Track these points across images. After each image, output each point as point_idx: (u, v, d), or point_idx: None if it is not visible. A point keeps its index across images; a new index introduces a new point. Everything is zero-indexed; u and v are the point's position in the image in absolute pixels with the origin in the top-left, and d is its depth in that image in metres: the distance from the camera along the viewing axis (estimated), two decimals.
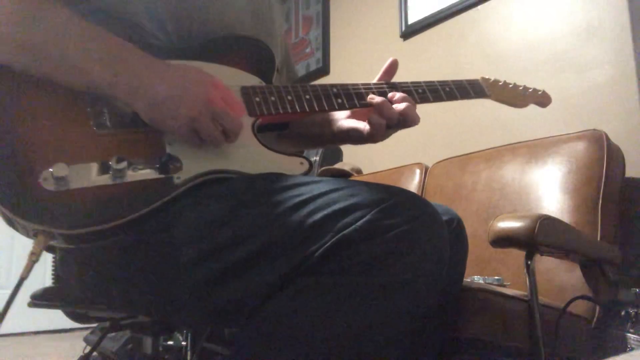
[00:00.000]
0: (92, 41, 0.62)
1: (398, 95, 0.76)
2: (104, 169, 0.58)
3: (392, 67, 0.82)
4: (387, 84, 0.80)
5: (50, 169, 0.55)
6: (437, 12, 2.04)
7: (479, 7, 1.89)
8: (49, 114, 0.60)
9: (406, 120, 0.75)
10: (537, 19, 1.70)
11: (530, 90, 0.96)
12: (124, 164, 0.58)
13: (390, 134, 0.79)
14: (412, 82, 0.81)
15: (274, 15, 0.89)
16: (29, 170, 0.56)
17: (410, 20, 2.16)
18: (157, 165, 0.61)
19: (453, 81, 0.84)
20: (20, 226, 0.56)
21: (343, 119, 0.84)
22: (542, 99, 0.97)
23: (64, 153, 0.58)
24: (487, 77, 0.91)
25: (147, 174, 0.60)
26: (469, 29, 1.92)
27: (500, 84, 0.92)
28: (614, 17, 1.48)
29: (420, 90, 0.81)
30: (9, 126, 0.58)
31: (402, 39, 2.21)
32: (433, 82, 0.82)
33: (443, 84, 0.83)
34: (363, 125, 0.79)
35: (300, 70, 2.84)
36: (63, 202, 0.56)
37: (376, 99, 0.75)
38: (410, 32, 2.17)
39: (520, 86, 0.95)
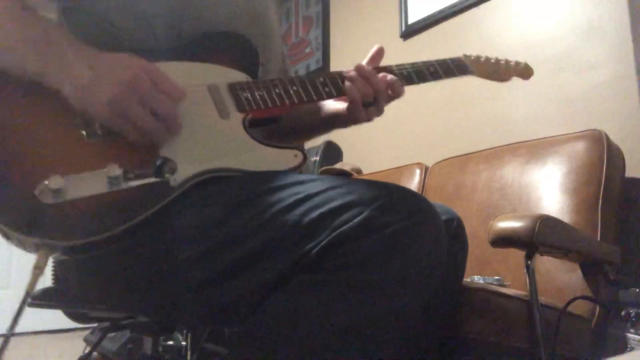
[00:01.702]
0: (30, 28, 0.62)
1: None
2: (100, 177, 0.58)
3: (378, 55, 0.83)
4: (373, 69, 0.81)
5: (46, 182, 0.55)
6: (437, 12, 2.04)
7: (479, 7, 1.89)
8: (39, 126, 0.60)
9: (384, 89, 0.77)
10: (537, 19, 1.70)
11: (512, 63, 0.98)
12: (119, 171, 0.58)
13: (372, 115, 0.80)
14: (396, 65, 0.82)
15: (269, 12, 0.89)
16: (24, 184, 0.55)
17: (410, 20, 2.16)
18: (152, 170, 0.60)
19: (437, 61, 0.85)
20: (17, 240, 0.55)
21: (327, 104, 0.86)
22: (524, 71, 0.99)
23: (57, 164, 0.57)
24: (468, 53, 0.92)
25: (142, 179, 0.59)
26: (469, 29, 1.93)
27: (482, 59, 0.94)
28: (614, 17, 1.48)
29: (405, 73, 0.82)
30: (2, 140, 0.57)
31: (402, 39, 2.21)
32: (417, 63, 0.84)
33: (427, 64, 0.84)
34: (344, 105, 0.81)
35: (300, 70, 2.84)
36: (61, 214, 0.55)
37: (351, 72, 0.77)
38: (410, 32, 2.17)
39: (502, 60, 0.97)
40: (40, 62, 0.60)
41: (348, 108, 0.79)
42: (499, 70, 0.96)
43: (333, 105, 0.86)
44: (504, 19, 1.81)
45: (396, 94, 0.80)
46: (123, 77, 0.59)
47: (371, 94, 0.77)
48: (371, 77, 0.77)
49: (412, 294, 0.56)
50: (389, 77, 0.78)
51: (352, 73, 0.77)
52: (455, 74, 0.87)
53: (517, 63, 0.98)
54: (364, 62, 0.82)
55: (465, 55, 0.91)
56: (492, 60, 0.95)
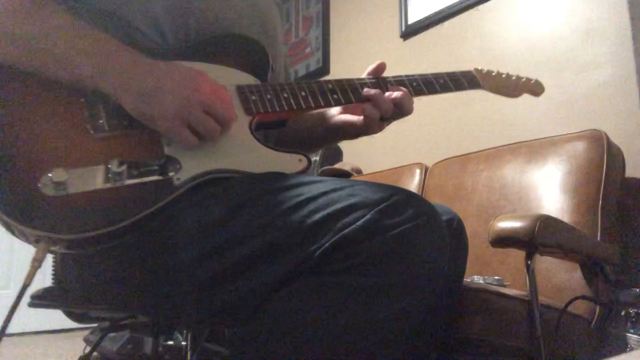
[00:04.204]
0: (81, 37, 0.62)
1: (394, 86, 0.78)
2: (103, 172, 0.58)
3: (379, 70, 0.81)
4: (380, 78, 0.80)
5: (49, 174, 0.55)
6: (437, 12, 2.04)
7: (479, 7, 1.89)
8: (46, 119, 0.60)
9: (401, 109, 0.75)
10: (537, 19, 1.70)
11: (523, 79, 0.96)
12: (123, 167, 0.58)
13: (385, 127, 0.79)
14: (406, 75, 0.81)
15: (274, 17, 0.89)
16: (27, 176, 0.55)
17: (410, 20, 2.16)
18: (156, 167, 0.61)
19: (447, 73, 0.85)
20: (19, 232, 0.55)
21: (337, 114, 0.84)
22: (535, 88, 0.97)
23: (62, 157, 0.58)
24: (480, 67, 0.91)
25: (146, 176, 0.60)
26: (469, 29, 1.93)
27: (494, 74, 0.92)
28: (614, 17, 1.48)
29: (414, 84, 0.81)
30: (6, 132, 0.58)
31: (402, 39, 2.21)
32: (427, 74, 0.83)
33: (437, 76, 0.83)
34: (357, 119, 0.79)
35: (300, 70, 2.84)
36: (63, 207, 0.55)
37: (372, 91, 0.75)
38: (410, 32, 2.17)
39: (513, 76, 0.95)
40: (96, 68, 0.61)
41: (365, 122, 0.77)
42: (509, 86, 0.94)
43: (341, 117, 0.83)
44: (504, 19, 1.81)
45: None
46: (187, 87, 0.61)
47: (391, 110, 0.75)
48: (386, 98, 0.76)
49: (415, 296, 0.56)
50: (399, 93, 0.76)
51: (373, 92, 0.75)
52: (466, 87, 0.86)
53: (528, 79, 0.96)
54: (365, 74, 0.81)
55: (476, 69, 0.90)
56: (503, 76, 0.93)
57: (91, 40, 0.62)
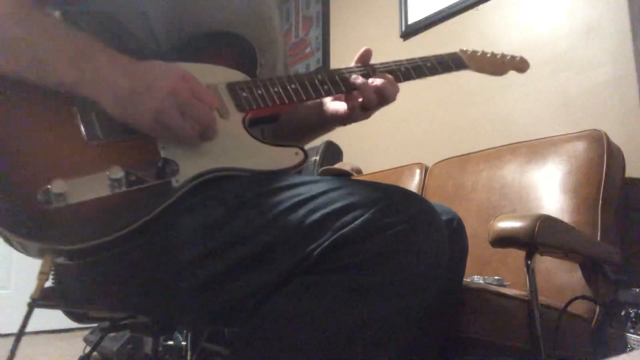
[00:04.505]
0: (62, 40, 0.61)
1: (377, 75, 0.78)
2: (101, 180, 0.57)
3: (366, 55, 0.82)
4: (369, 65, 0.80)
5: (48, 186, 0.54)
6: (437, 12, 2.04)
7: (479, 7, 1.89)
8: (40, 130, 0.60)
9: (384, 96, 0.76)
10: (537, 19, 1.70)
11: (508, 57, 0.98)
12: (120, 173, 0.57)
13: (371, 114, 0.79)
14: (394, 61, 0.82)
15: (272, 15, 0.89)
16: (26, 188, 0.55)
17: (410, 20, 2.16)
18: (154, 171, 0.60)
19: (434, 56, 0.86)
20: (19, 244, 0.55)
21: (326, 102, 0.85)
22: (521, 65, 0.99)
23: (59, 168, 0.57)
24: (465, 48, 0.93)
25: (145, 180, 0.59)
26: (469, 29, 1.92)
27: (479, 54, 0.94)
28: (614, 17, 1.48)
29: (402, 69, 0.81)
30: (3, 146, 0.57)
31: (402, 39, 2.21)
32: (414, 58, 0.83)
33: (424, 59, 0.84)
34: (342, 108, 0.79)
35: (300, 70, 2.84)
36: (64, 218, 0.55)
37: (359, 80, 0.76)
38: (410, 32, 2.17)
39: (498, 54, 0.97)
40: (75, 74, 0.60)
41: (349, 111, 0.78)
42: (495, 64, 0.96)
43: (329, 105, 0.84)
44: (504, 19, 1.81)
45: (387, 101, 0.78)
46: (162, 88, 0.59)
47: (375, 100, 0.76)
48: (371, 86, 0.76)
49: (414, 295, 0.56)
50: (381, 81, 0.77)
51: (359, 81, 0.76)
52: (453, 68, 0.87)
53: (513, 57, 0.98)
54: (353, 62, 0.82)
55: (461, 50, 0.92)
56: (488, 55, 0.95)
57: (71, 42, 0.62)
